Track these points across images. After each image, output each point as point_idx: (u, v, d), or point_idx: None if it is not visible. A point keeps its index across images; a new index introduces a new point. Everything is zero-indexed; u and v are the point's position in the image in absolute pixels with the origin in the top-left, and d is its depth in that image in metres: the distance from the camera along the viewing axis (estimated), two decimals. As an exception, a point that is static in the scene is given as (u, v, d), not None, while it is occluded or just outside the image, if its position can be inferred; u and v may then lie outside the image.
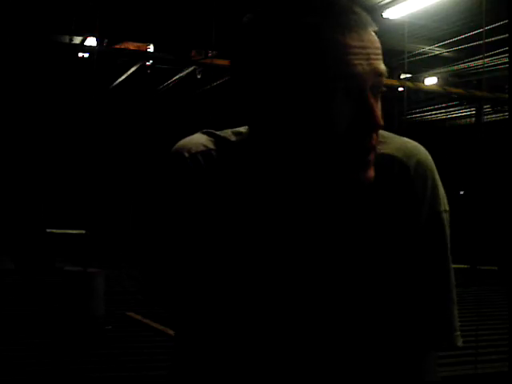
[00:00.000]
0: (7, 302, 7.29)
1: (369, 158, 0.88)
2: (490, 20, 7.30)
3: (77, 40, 10.39)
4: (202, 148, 0.98)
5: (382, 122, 0.87)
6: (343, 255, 0.94)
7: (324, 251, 0.94)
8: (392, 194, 0.94)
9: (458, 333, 0.96)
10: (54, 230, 12.25)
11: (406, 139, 0.99)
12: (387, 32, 9.39)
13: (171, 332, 5.15)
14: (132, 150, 14.03)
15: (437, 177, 0.96)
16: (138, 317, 6.72)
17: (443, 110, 14.79)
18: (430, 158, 0.97)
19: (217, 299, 0.96)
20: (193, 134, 1.02)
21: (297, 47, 0.85)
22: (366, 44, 0.86)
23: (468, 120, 14.51)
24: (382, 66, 0.88)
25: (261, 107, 0.89)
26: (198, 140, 0.99)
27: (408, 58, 10.13)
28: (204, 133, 1.01)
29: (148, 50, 10.93)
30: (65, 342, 5.56)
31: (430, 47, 11.31)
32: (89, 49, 10.35)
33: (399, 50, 10.10)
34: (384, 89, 0.90)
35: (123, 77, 12.20)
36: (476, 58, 11.06)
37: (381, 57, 0.88)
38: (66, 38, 10.31)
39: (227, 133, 1.01)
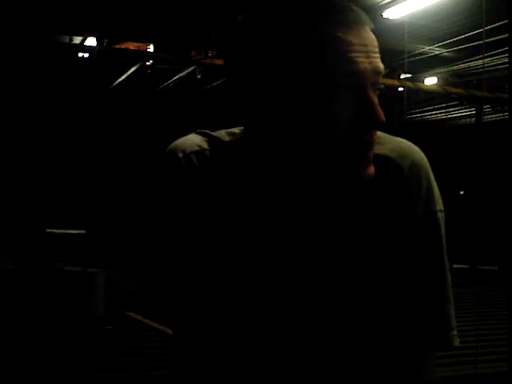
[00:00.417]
0: (7, 302, 7.29)
1: (369, 154, 0.88)
2: (490, 20, 7.30)
3: (77, 40, 10.38)
4: (196, 148, 0.98)
5: (384, 118, 0.87)
6: (339, 255, 0.94)
7: (320, 251, 0.94)
8: (387, 194, 0.94)
9: (455, 332, 0.95)
10: (54, 230, 12.24)
11: (400, 139, 0.98)
12: (387, 32, 9.38)
13: (171, 332, 5.14)
14: (132, 150, 14.02)
15: (431, 177, 0.96)
16: (138, 317, 6.72)
17: (443, 110, 14.77)
18: (424, 158, 0.97)
19: (214, 298, 0.96)
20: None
21: (296, 45, 0.85)
22: (365, 42, 0.86)
23: (468, 120, 14.49)
24: (381, 65, 0.88)
25: (258, 106, 0.89)
26: (193, 140, 0.99)
27: (408, 58, 10.12)
28: (198, 133, 1.01)
29: (148, 49, 10.91)
30: (65, 341, 5.56)
31: (430, 47, 11.30)
32: (89, 49, 10.34)
33: (399, 50, 10.10)
34: (382, 86, 0.90)
35: (123, 77, 12.18)
36: (476, 58, 11.05)
37: (379, 55, 0.88)
38: (66, 38, 10.30)
39: (221, 133, 1.01)
